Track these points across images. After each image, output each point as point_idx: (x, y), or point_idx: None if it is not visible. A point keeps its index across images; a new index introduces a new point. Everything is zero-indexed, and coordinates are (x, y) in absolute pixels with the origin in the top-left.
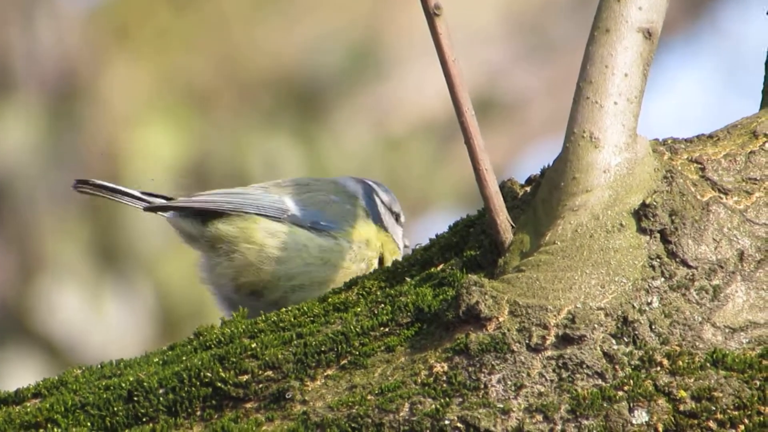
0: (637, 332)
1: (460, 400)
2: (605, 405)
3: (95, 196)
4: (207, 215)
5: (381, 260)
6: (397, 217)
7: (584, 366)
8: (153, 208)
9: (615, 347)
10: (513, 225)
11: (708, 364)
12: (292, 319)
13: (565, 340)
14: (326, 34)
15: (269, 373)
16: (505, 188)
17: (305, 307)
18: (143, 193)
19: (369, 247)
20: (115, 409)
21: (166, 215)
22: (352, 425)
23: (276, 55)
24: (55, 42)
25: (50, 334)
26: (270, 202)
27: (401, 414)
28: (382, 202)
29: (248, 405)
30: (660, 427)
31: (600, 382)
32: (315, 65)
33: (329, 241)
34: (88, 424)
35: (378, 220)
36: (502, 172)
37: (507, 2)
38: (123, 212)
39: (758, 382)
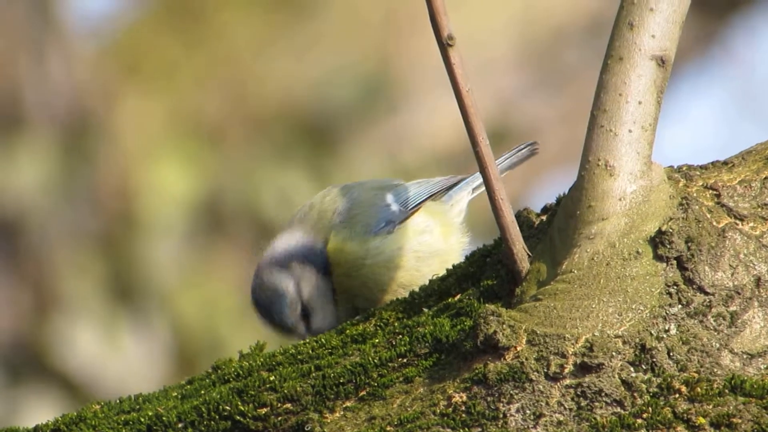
0: (655, 359)
1: (480, 429)
2: None
3: None
4: None
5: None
6: None
7: (603, 394)
8: None
9: (633, 375)
10: (529, 254)
11: (726, 391)
12: (310, 352)
13: (583, 369)
14: (338, 67)
15: (288, 405)
16: (521, 217)
17: (323, 339)
18: None
19: None
20: None
21: None
22: None
23: (287, 88)
24: (66, 78)
25: (67, 371)
26: None
27: None
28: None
29: None
30: None
31: (619, 409)
32: (327, 98)
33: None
34: None
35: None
36: (517, 201)
37: (519, 31)
38: (137, 247)
39: None
